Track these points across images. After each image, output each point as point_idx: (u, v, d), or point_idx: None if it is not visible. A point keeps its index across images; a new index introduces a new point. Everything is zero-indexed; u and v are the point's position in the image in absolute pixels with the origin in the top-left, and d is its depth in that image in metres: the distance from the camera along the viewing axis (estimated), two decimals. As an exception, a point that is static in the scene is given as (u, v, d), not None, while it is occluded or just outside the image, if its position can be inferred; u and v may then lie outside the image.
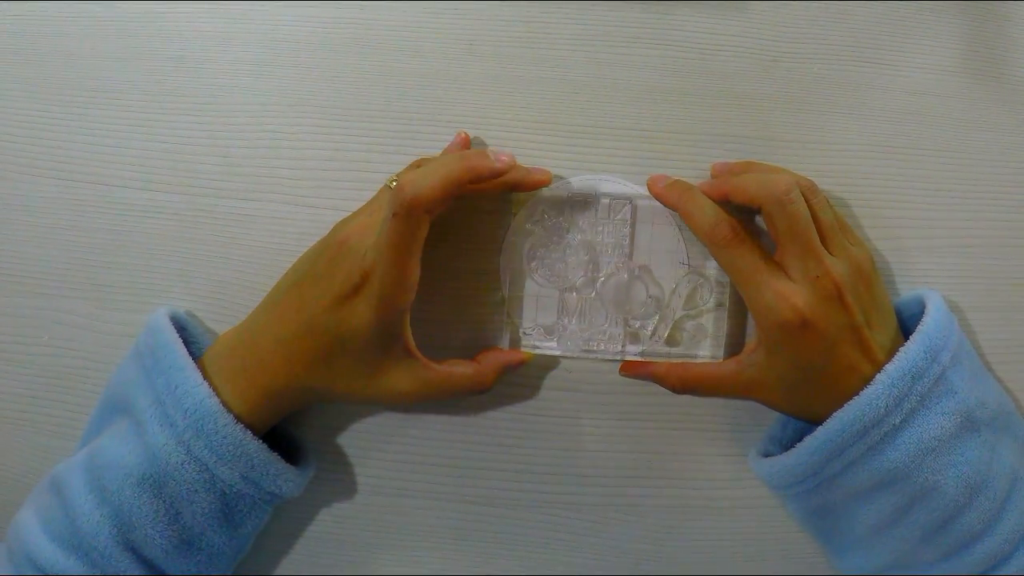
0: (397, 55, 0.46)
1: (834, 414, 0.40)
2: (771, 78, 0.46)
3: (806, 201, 0.41)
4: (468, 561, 0.47)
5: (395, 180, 0.42)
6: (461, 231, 0.46)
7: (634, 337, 0.46)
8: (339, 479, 0.47)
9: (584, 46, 0.46)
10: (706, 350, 0.46)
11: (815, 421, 0.41)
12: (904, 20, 0.47)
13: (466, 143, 0.46)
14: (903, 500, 0.41)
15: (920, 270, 0.46)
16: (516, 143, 0.46)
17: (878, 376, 0.40)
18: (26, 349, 0.48)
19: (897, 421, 0.40)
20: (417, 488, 0.47)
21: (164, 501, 0.40)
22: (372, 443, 0.47)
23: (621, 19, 0.46)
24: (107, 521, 0.39)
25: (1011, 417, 0.44)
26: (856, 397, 0.40)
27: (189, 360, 0.41)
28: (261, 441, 0.41)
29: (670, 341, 0.46)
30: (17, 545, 0.40)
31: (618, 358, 0.46)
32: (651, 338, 0.46)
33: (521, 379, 0.46)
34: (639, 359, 0.45)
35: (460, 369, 0.43)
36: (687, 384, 0.44)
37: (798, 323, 0.40)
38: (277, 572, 0.47)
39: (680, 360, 0.45)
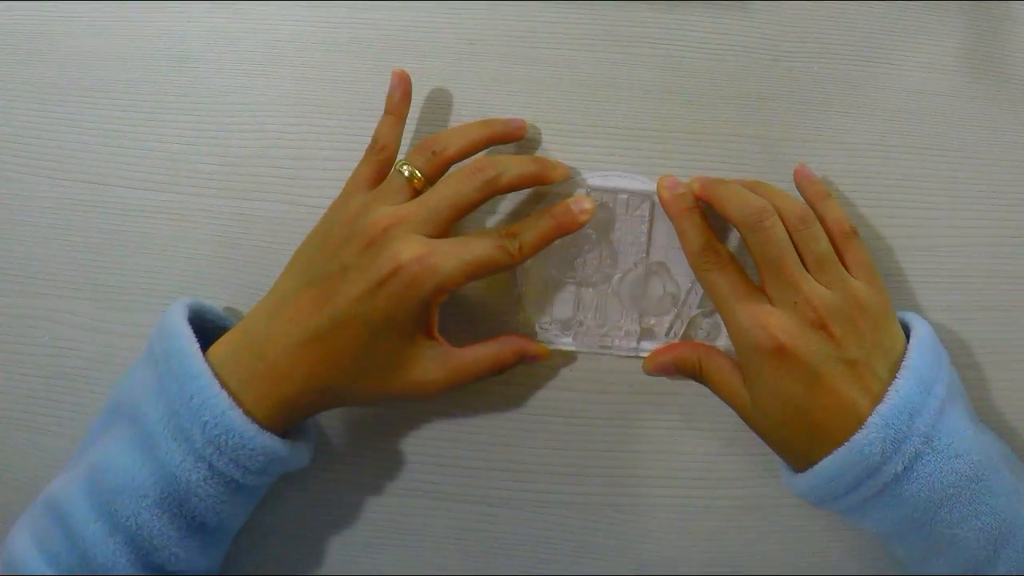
0: (397, 55, 0.46)
1: (821, 461, 0.37)
2: (772, 77, 0.46)
3: (797, 230, 0.40)
4: (468, 561, 0.47)
5: (405, 164, 0.41)
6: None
7: (649, 334, 0.46)
8: (339, 479, 0.47)
9: (585, 46, 0.46)
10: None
11: (804, 468, 0.39)
12: (904, 20, 0.47)
13: (404, 80, 0.43)
14: (919, 550, 0.38)
15: (920, 270, 0.46)
16: (516, 143, 0.46)
17: (869, 419, 0.37)
18: (26, 349, 0.48)
19: (899, 469, 0.36)
20: (417, 488, 0.47)
21: (186, 518, 0.38)
22: (372, 442, 0.47)
23: (621, 19, 0.46)
24: (123, 548, 0.37)
25: (1017, 460, 0.41)
26: (846, 443, 0.37)
27: (206, 367, 0.37)
28: (288, 440, 0.39)
29: (685, 339, 0.46)
30: None
31: (632, 355, 0.46)
32: (667, 335, 0.46)
33: (522, 379, 0.46)
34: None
35: (482, 351, 0.42)
36: (705, 369, 0.43)
37: (772, 347, 0.38)
38: (277, 572, 0.47)
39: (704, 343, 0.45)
